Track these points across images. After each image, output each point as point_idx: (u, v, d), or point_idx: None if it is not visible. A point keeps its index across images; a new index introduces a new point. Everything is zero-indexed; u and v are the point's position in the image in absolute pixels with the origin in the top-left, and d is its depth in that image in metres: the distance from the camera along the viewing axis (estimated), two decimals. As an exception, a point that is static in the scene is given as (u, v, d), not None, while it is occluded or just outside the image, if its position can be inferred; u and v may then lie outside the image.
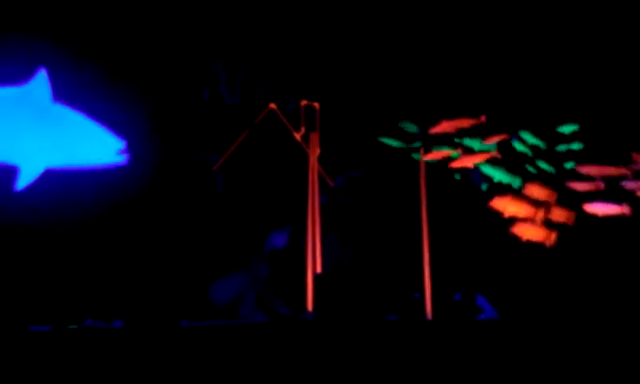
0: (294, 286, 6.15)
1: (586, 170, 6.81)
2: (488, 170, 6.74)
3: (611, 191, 6.74)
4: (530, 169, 6.88)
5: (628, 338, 5.36)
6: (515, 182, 6.75)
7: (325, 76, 6.86)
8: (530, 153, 6.92)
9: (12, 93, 5.58)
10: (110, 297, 5.60)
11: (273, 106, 6.60)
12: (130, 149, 5.81)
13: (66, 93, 5.73)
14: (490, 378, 4.91)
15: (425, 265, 6.20)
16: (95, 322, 5.33)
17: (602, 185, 6.70)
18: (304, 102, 6.62)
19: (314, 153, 6.45)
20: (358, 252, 6.56)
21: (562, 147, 7.03)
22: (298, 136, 6.58)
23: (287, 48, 6.80)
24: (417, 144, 6.69)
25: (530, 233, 6.53)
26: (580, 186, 6.76)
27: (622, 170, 6.73)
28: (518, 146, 6.87)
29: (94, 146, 5.71)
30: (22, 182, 5.48)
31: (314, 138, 6.47)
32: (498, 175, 6.77)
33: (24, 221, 5.57)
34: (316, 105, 6.63)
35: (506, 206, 6.47)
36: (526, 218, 6.53)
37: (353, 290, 6.13)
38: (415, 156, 6.71)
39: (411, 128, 6.71)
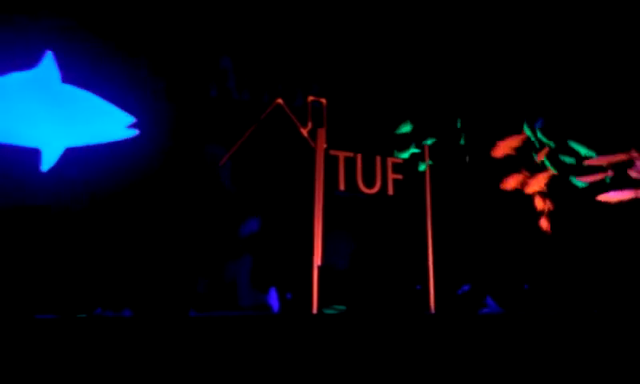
0: (297, 279, 6.19)
1: (593, 161, 6.88)
2: None
3: (621, 178, 6.82)
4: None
5: (633, 332, 5.40)
6: None
7: (333, 72, 6.90)
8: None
9: (22, 77, 5.61)
10: (119, 286, 5.61)
11: (280, 101, 6.65)
12: (140, 126, 5.91)
13: (74, 74, 5.78)
14: (493, 372, 4.94)
15: (429, 258, 6.23)
16: (105, 311, 5.36)
17: (611, 172, 6.77)
18: (311, 98, 6.66)
19: (321, 148, 6.48)
20: (361, 246, 6.59)
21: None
22: (304, 132, 6.62)
23: (295, 43, 6.85)
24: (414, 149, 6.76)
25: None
26: (590, 179, 6.83)
27: (632, 155, 6.79)
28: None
29: (106, 122, 5.80)
30: (46, 163, 5.57)
31: (321, 133, 6.50)
32: None
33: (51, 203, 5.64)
34: (323, 101, 6.68)
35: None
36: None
37: (356, 283, 6.17)
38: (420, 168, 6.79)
39: (405, 128, 6.78)
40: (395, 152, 6.89)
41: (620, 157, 6.89)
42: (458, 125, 7.12)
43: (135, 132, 5.86)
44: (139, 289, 5.66)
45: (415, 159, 6.91)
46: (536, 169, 7.12)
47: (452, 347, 5.09)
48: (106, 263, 5.65)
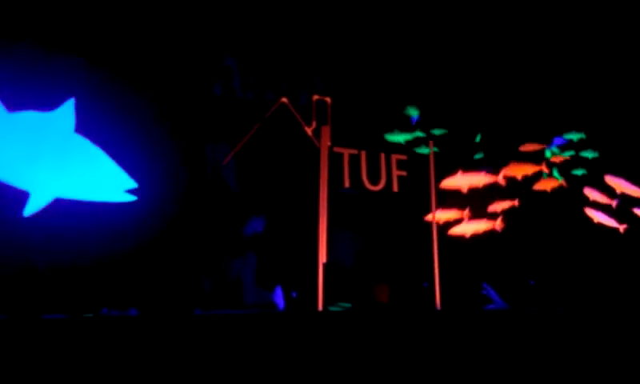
0: (302, 277, 6.20)
1: (611, 181, 6.87)
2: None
3: (619, 209, 6.83)
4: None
5: (635, 329, 5.39)
6: None
7: (337, 70, 6.90)
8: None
9: (36, 118, 5.55)
10: (125, 286, 5.64)
11: (284, 100, 6.65)
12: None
13: (89, 121, 5.73)
14: (498, 368, 4.94)
15: (434, 255, 6.22)
16: (111, 311, 5.38)
17: (614, 204, 6.78)
18: (316, 97, 6.66)
19: (325, 147, 6.49)
20: (367, 243, 6.60)
21: (569, 153, 7.11)
22: (309, 130, 6.62)
23: (299, 42, 6.85)
24: (419, 134, 6.75)
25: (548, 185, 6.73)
26: (595, 196, 6.83)
27: None
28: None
29: (107, 183, 5.70)
30: (30, 208, 5.42)
31: (326, 132, 6.51)
32: None
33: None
34: (328, 99, 6.68)
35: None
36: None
37: (361, 279, 6.17)
38: (422, 150, 6.76)
39: (413, 112, 6.77)
40: (396, 132, 6.85)
41: (633, 191, 6.92)
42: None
43: (134, 198, 5.74)
44: (145, 288, 5.68)
45: (418, 149, 6.90)
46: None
47: (458, 344, 5.08)
48: (112, 263, 5.68)
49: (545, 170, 6.91)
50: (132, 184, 5.74)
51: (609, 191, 6.96)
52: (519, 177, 6.76)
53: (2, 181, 5.41)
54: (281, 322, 5.19)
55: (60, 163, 5.54)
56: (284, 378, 4.58)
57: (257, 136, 6.51)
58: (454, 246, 6.60)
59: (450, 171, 6.64)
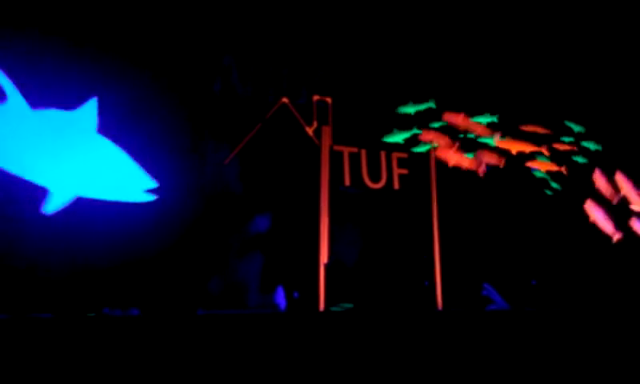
0: (302, 277, 6.20)
1: (620, 179, 6.86)
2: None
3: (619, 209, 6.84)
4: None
5: (636, 328, 5.40)
6: None
7: (338, 70, 6.88)
8: None
9: (59, 116, 5.59)
10: (126, 285, 5.64)
11: (285, 99, 6.63)
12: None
13: (111, 120, 5.78)
14: (499, 368, 4.94)
15: (435, 255, 6.22)
16: (112, 311, 5.38)
17: (616, 200, 6.77)
18: (316, 97, 6.65)
19: (326, 147, 6.47)
20: (369, 243, 6.59)
21: (567, 139, 7.11)
22: (309, 130, 6.61)
23: (300, 41, 6.83)
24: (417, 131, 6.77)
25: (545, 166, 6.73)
26: (602, 185, 6.82)
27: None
28: None
29: (127, 183, 5.74)
30: (51, 206, 5.47)
31: (326, 132, 6.49)
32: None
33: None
34: (328, 99, 6.66)
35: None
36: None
37: (364, 280, 6.17)
38: (420, 148, 6.76)
39: (410, 109, 6.80)
40: (395, 132, 6.89)
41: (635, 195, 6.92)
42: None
43: (153, 197, 5.78)
44: (147, 288, 5.69)
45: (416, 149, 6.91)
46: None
47: (459, 344, 5.09)
48: (114, 263, 5.69)
49: (545, 152, 6.95)
50: (152, 184, 5.79)
51: (615, 187, 6.95)
52: (514, 152, 6.86)
53: (24, 178, 5.44)
54: (282, 323, 5.20)
55: (81, 162, 5.59)
56: (285, 379, 4.58)
57: (258, 136, 6.49)
58: (456, 247, 6.59)
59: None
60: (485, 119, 7.02)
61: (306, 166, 6.47)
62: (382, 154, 6.83)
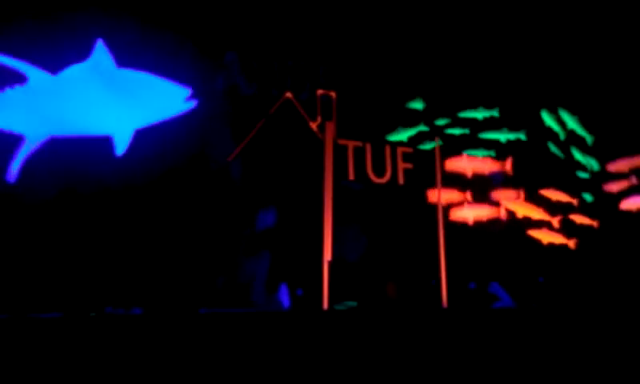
0: (306, 274, 6.17)
1: (615, 167, 6.77)
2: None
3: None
4: (553, 148, 6.92)
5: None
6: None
7: (341, 65, 6.83)
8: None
9: (78, 70, 5.72)
10: (129, 284, 5.63)
11: (289, 95, 6.58)
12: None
13: (124, 58, 5.89)
14: (505, 366, 4.91)
15: (440, 254, 6.17)
16: (115, 310, 5.37)
17: (634, 180, 6.69)
18: (320, 91, 6.59)
19: (330, 143, 6.41)
20: (374, 242, 6.55)
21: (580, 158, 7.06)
22: (313, 125, 6.55)
23: (303, 37, 6.77)
24: (423, 128, 6.71)
25: (548, 237, 6.57)
26: (615, 187, 6.75)
27: None
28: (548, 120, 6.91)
29: (165, 98, 5.94)
30: (120, 147, 5.72)
31: (330, 127, 6.43)
32: None
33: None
34: (332, 94, 6.61)
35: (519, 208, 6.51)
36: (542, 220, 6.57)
37: (367, 277, 6.14)
38: (426, 146, 6.71)
39: (418, 105, 6.74)
40: (399, 129, 6.82)
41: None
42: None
43: (193, 103, 5.98)
44: (150, 287, 5.68)
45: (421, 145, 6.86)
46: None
47: (465, 342, 5.05)
48: (117, 262, 5.68)
49: (555, 224, 6.78)
50: (185, 92, 5.98)
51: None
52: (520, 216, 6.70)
53: (81, 135, 5.67)
54: (285, 321, 5.17)
55: (121, 99, 5.79)
56: (289, 377, 4.56)
57: (262, 131, 6.45)
58: (461, 244, 6.54)
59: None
60: (481, 114, 6.95)
61: (310, 162, 6.42)
62: (387, 149, 6.78)
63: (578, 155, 7.27)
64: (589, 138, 7.38)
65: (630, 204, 6.79)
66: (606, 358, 5.01)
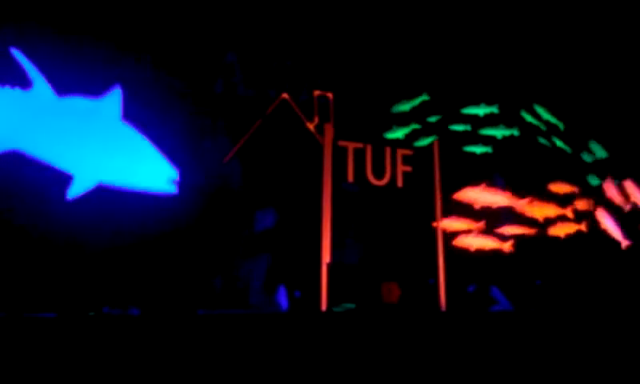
0: (304, 276, 6.16)
1: (630, 186, 6.79)
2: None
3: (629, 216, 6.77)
4: (544, 141, 6.91)
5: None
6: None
7: (339, 66, 6.84)
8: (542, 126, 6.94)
9: (84, 104, 5.66)
10: (126, 285, 5.62)
11: (286, 95, 6.58)
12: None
13: (136, 109, 5.84)
14: (503, 369, 4.91)
15: (439, 257, 6.17)
16: (112, 310, 5.36)
17: (629, 207, 6.70)
18: (317, 93, 6.59)
19: (329, 144, 6.41)
20: (371, 244, 6.55)
21: (587, 158, 7.05)
22: (311, 126, 6.55)
23: (301, 38, 6.78)
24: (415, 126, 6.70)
25: (565, 229, 6.56)
26: (616, 198, 6.76)
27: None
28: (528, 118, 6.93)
29: (151, 172, 5.81)
30: (74, 191, 5.54)
31: (329, 129, 6.43)
32: None
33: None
34: (330, 95, 6.60)
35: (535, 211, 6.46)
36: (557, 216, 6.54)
37: (366, 280, 6.13)
38: (421, 143, 6.70)
39: (404, 107, 6.73)
40: (394, 128, 6.80)
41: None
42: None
43: (174, 189, 5.85)
44: (148, 287, 5.67)
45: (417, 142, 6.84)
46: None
47: (463, 345, 5.06)
48: (115, 262, 5.67)
49: (569, 215, 6.73)
50: (174, 174, 5.87)
51: (625, 194, 6.88)
52: (540, 218, 6.60)
53: (48, 163, 5.53)
54: (284, 323, 5.17)
55: (105, 149, 5.67)
56: (287, 379, 4.55)
57: (258, 132, 6.45)
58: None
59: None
60: (482, 110, 6.92)
61: (308, 163, 6.42)
62: (387, 150, 6.77)
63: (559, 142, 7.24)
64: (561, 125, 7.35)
65: (606, 222, 6.79)
66: (604, 360, 5.02)
